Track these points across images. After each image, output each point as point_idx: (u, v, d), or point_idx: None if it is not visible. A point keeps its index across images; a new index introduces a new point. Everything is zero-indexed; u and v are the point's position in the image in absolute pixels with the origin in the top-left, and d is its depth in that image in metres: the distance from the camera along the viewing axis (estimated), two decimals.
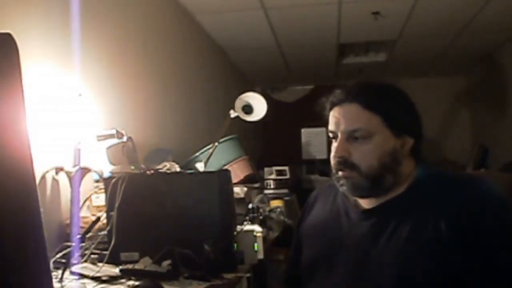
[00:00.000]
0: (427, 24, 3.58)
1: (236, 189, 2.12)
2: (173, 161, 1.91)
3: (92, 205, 1.61)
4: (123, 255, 1.33)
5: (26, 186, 0.66)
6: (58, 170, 1.54)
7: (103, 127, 1.82)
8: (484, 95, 5.03)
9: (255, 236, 1.47)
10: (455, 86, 5.57)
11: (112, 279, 1.22)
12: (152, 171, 1.55)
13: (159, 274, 1.20)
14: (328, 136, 1.15)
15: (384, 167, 1.06)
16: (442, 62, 4.86)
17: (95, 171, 1.63)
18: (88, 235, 1.37)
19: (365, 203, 1.12)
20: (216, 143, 2.26)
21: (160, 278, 1.18)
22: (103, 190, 1.51)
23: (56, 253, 1.29)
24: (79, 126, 1.66)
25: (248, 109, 2.33)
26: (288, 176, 3.60)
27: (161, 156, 2.05)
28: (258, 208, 2.21)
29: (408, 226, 1.02)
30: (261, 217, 2.18)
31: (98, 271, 1.24)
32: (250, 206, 2.16)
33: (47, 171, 1.51)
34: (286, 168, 3.61)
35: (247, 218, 2.00)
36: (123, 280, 1.22)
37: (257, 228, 1.54)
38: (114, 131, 1.68)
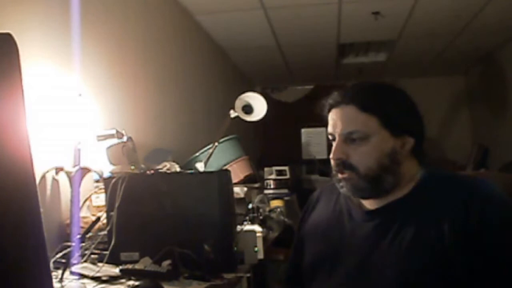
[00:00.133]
0: (427, 24, 3.57)
1: (236, 189, 2.12)
2: (173, 161, 1.91)
3: (92, 205, 1.61)
4: (123, 255, 1.33)
5: (26, 186, 0.66)
6: (58, 170, 1.54)
7: (103, 127, 1.82)
8: (484, 95, 5.03)
9: (255, 236, 1.47)
10: (455, 86, 5.57)
11: (112, 279, 1.22)
12: (152, 171, 1.55)
13: (159, 274, 1.20)
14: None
15: (383, 168, 1.05)
16: (442, 62, 4.85)
17: (95, 171, 1.63)
18: (88, 235, 1.37)
19: (369, 204, 1.12)
20: (216, 143, 2.26)
21: (160, 278, 1.18)
22: (103, 190, 1.51)
23: (56, 253, 1.29)
24: (79, 126, 1.66)
25: (248, 109, 2.33)
26: (288, 176, 3.59)
27: (161, 156, 2.05)
28: (258, 208, 2.21)
29: (412, 227, 1.01)
30: (261, 217, 2.18)
31: (98, 271, 1.24)
32: (250, 206, 2.16)
33: (47, 171, 1.51)
34: (286, 168, 3.61)
35: (247, 218, 2.00)
36: (123, 280, 1.22)
37: (257, 228, 1.54)
38: (114, 131, 1.68)
